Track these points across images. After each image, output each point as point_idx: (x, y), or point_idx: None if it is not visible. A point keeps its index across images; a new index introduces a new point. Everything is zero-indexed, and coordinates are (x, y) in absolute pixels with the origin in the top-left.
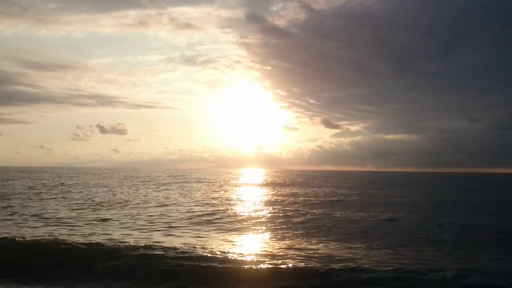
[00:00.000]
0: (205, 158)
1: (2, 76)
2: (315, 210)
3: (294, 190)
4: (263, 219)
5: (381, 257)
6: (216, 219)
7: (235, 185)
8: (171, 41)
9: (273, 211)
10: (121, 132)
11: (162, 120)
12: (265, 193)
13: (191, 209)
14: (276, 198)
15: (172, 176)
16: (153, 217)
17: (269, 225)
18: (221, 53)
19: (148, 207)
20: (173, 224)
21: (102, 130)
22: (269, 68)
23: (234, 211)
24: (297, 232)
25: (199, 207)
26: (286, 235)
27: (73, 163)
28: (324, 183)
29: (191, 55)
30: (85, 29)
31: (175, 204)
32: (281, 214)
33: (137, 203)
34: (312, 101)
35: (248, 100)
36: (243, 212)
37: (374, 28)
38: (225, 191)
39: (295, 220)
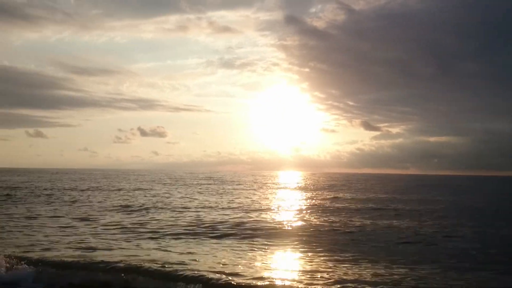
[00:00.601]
0: (243, 160)
1: (48, 81)
2: (369, 221)
3: (340, 195)
4: (312, 233)
5: None
6: (259, 230)
7: (277, 189)
8: (210, 44)
9: (318, 221)
10: (161, 135)
11: (201, 123)
12: (307, 197)
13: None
14: (319, 202)
15: (227, 180)
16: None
17: (320, 241)
18: (259, 56)
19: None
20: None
21: (143, 133)
22: (307, 70)
23: (276, 221)
24: (356, 254)
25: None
26: (339, 256)
27: (115, 165)
28: (370, 187)
29: (230, 58)
30: (127, 34)
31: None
32: (326, 226)
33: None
34: (351, 103)
35: (286, 102)
36: (285, 222)
37: (416, 28)
38: (268, 196)
39: (352, 236)
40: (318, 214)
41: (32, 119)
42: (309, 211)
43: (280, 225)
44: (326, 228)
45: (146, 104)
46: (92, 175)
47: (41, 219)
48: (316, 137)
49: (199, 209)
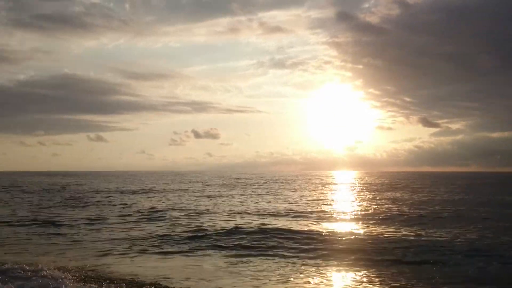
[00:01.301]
0: (295, 160)
1: (107, 87)
2: (445, 232)
3: (405, 196)
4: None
5: None
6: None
7: (334, 190)
8: (261, 45)
9: (386, 231)
10: (214, 136)
11: (253, 124)
12: (371, 200)
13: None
14: (384, 207)
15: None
16: None
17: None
18: (311, 55)
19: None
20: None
21: (197, 135)
22: (360, 66)
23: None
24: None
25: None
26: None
27: (171, 167)
28: (434, 187)
29: (281, 58)
30: (180, 39)
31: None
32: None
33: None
34: (408, 99)
35: (339, 100)
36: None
37: (475, 20)
38: (325, 199)
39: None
40: (385, 223)
41: (92, 124)
42: (375, 218)
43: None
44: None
45: (199, 107)
46: (159, 177)
47: None
48: (372, 135)
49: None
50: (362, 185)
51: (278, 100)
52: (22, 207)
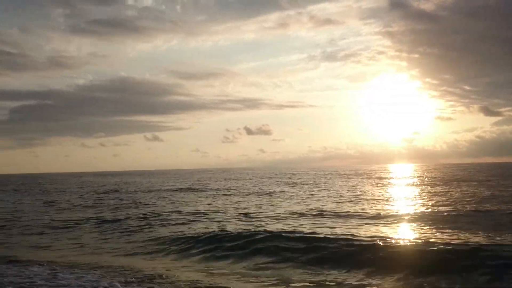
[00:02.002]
0: (350, 154)
1: (161, 88)
2: None
3: (481, 191)
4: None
5: None
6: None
7: (396, 185)
8: (311, 39)
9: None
10: (266, 132)
11: (305, 119)
12: (440, 194)
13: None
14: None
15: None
16: None
17: None
18: (363, 45)
19: None
20: None
21: (249, 131)
22: (416, 56)
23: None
24: None
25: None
26: None
27: (225, 164)
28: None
29: (332, 50)
30: (230, 36)
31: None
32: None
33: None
34: (468, 88)
35: (394, 91)
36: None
37: None
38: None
39: None
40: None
41: (149, 124)
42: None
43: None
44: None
45: (250, 103)
46: (220, 174)
47: None
48: (430, 126)
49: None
50: (425, 179)
51: (330, 93)
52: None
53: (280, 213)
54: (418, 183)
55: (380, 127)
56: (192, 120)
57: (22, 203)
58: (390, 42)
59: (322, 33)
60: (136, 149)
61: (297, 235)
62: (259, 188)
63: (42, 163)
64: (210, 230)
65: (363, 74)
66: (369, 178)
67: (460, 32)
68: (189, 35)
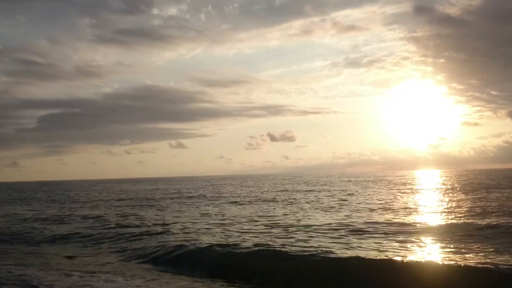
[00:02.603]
0: (375, 161)
1: (186, 95)
2: None
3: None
4: None
5: None
6: None
7: (422, 193)
8: (335, 45)
9: None
10: (290, 139)
11: (329, 125)
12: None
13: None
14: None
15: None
16: None
17: None
18: (387, 51)
19: None
20: None
21: (273, 138)
22: (442, 60)
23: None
24: None
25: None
26: None
27: (249, 171)
28: None
29: (356, 57)
30: (254, 44)
31: None
32: None
33: None
34: (495, 93)
35: (419, 97)
36: None
37: None
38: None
39: None
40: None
41: (173, 132)
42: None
43: None
44: None
45: (274, 110)
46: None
47: None
48: (457, 132)
49: None
50: (454, 186)
51: (354, 99)
52: None
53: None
54: (451, 191)
55: (405, 133)
56: (216, 127)
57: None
58: (415, 47)
59: (345, 40)
60: (161, 156)
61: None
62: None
63: (69, 170)
64: None
65: (387, 80)
66: (394, 184)
67: (486, 37)
68: (214, 43)
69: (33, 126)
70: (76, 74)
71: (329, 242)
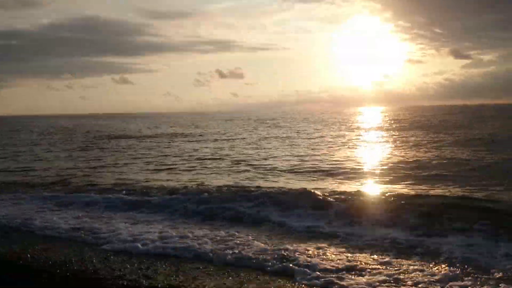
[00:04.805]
0: (322, 98)
1: (129, 28)
2: None
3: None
4: None
5: None
6: None
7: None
8: None
9: None
10: (239, 76)
11: (278, 62)
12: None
13: None
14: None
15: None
16: None
17: None
18: None
19: None
20: None
21: (222, 75)
22: None
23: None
24: None
25: None
26: None
27: (197, 108)
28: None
29: None
30: None
31: None
32: None
33: None
34: (438, 31)
35: (367, 34)
36: None
37: None
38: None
39: None
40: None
41: (117, 66)
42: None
43: None
44: None
45: (223, 46)
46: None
47: None
48: (401, 70)
49: None
50: (394, 125)
51: (304, 36)
52: None
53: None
54: (386, 129)
55: (352, 71)
56: (163, 62)
57: None
58: None
59: None
60: (105, 92)
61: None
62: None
63: (6, 105)
64: None
65: (337, 16)
66: (339, 123)
67: None
68: None
69: None
70: (13, 3)
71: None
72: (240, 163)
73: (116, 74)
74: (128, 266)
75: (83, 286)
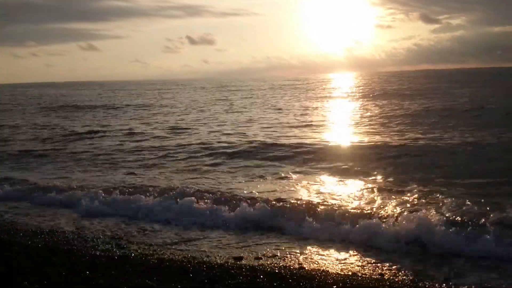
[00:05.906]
0: (293, 65)
1: None
2: None
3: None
4: None
5: None
6: None
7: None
8: None
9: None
10: (210, 42)
11: (249, 28)
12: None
13: None
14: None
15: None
16: None
17: None
18: None
19: None
20: None
21: (191, 41)
22: None
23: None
24: None
25: None
26: None
27: (167, 76)
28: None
29: None
30: None
31: None
32: None
33: None
34: None
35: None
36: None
37: None
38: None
39: None
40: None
41: (83, 32)
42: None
43: None
44: None
45: (192, 11)
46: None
47: None
48: (371, 35)
49: None
50: (360, 92)
51: (275, 1)
52: None
53: None
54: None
55: (322, 37)
56: (130, 28)
57: None
58: None
59: None
60: (72, 59)
61: None
62: None
63: None
64: None
65: None
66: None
67: None
68: None
69: None
70: None
71: None
72: None
73: (83, 41)
74: None
75: None
